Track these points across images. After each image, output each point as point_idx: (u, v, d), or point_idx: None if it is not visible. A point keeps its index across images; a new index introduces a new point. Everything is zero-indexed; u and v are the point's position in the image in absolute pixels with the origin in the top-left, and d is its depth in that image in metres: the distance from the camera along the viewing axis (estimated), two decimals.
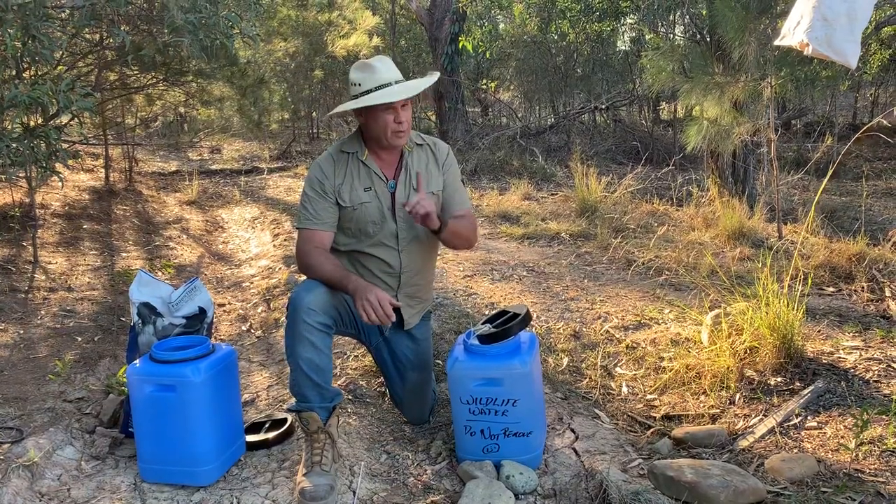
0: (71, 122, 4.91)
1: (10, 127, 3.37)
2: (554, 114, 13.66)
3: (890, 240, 4.38)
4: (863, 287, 3.86)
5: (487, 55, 14.42)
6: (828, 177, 3.78)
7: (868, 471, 2.22)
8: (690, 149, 6.18)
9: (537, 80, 13.60)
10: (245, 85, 7.42)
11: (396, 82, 2.51)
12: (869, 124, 3.75)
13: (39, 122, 4.02)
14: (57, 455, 2.56)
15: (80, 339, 3.82)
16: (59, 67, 4.98)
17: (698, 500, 2.11)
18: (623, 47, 14.30)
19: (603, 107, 12.44)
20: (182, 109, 10.01)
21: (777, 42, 4.25)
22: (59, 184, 6.51)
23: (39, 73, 4.01)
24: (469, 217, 2.75)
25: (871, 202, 7.42)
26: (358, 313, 2.40)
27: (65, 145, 4.26)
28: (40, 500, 2.32)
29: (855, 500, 2.07)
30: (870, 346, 3.05)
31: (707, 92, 5.67)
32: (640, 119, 14.21)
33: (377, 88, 2.50)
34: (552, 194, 7.54)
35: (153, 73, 6.35)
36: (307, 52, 10.84)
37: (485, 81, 15.58)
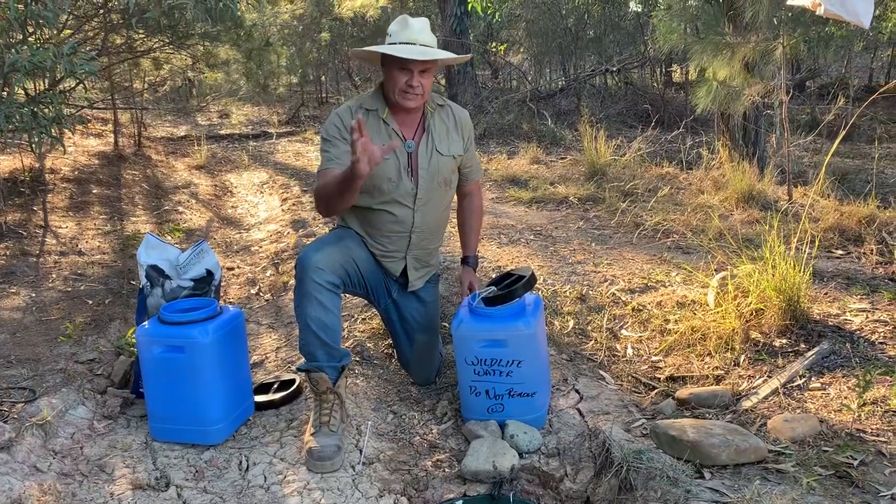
0: (76, 87, 4.90)
1: (16, 90, 3.36)
2: (564, 76, 13.48)
3: None
4: (872, 250, 3.84)
5: (497, 17, 14.22)
6: (839, 139, 3.73)
7: (870, 430, 2.24)
8: (700, 110, 6.10)
9: (547, 42, 13.39)
10: (251, 48, 7.36)
11: (423, 45, 2.53)
12: (887, 86, 3.69)
13: (46, 87, 4.01)
14: (69, 414, 2.61)
15: (90, 301, 3.86)
16: (66, 31, 4.95)
17: (700, 458, 2.14)
18: (635, 8, 14.05)
19: (614, 69, 12.25)
20: (190, 74, 9.97)
21: (790, 2, 4.18)
22: (62, 150, 6.53)
23: (45, 36, 3.99)
24: (478, 196, 2.98)
25: (884, 165, 7.31)
26: (360, 171, 2.21)
27: (71, 110, 4.25)
28: (54, 458, 2.37)
29: (856, 459, 2.09)
30: (877, 309, 3.04)
31: (717, 52, 5.57)
32: (651, 82, 14.01)
33: (401, 44, 2.52)
34: (561, 158, 7.48)
35: (159, 37, 6.30)
36: (314, 14, 10.73)
37: (494, 44, 15.37)
